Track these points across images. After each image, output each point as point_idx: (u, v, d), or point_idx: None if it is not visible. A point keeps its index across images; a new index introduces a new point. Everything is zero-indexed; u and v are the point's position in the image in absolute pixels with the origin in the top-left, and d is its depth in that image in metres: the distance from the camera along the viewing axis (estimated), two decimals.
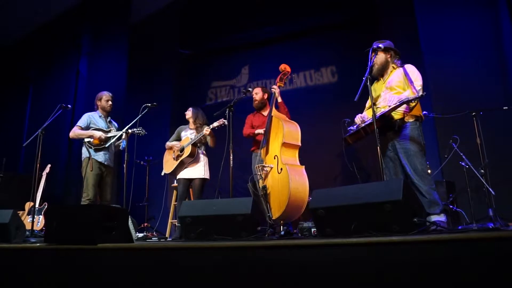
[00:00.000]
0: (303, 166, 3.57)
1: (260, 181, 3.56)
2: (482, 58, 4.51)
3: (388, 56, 3.19)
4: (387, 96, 3.06)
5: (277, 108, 4.01)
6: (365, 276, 1.51)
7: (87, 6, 6.96)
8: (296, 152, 3.66)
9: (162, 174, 4.45)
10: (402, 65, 3.15)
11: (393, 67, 3.18)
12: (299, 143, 3.67)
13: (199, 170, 4.19)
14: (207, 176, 4.23)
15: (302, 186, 3.42)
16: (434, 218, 2.69)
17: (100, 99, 4.30)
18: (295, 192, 3.33)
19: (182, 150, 4.20)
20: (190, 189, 4.33)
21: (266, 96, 4.24)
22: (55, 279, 2.10)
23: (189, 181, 4.24)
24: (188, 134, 4.29)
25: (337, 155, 5.44)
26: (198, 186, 4.16)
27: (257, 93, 4.22)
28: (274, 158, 3.56)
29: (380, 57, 3.17)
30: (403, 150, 2.96)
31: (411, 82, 2.96)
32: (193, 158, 4.18)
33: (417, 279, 1.43)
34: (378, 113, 2.98)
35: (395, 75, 3.12)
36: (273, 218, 3.35)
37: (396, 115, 3.00)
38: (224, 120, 3.96)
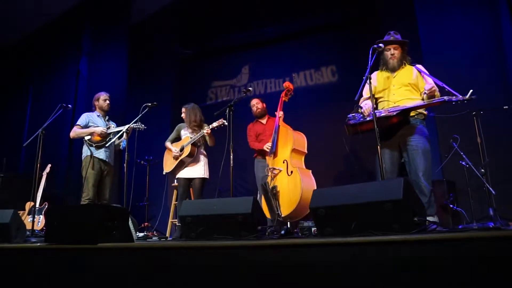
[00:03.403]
0: (310, 170, 3.92)
1: (270, 181, 3.84)
2: (482, 58, 4.51)
3: (404, 51, 3.13)
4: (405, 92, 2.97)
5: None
6: (366, 275, 1.51)
7: (87, 6, 6.95)
8: (303, 158, 4.05)
9: (164, 173, 4.45)
10: (413, 64, 3.11)
11: (404, 63, 3.11)
12: (306, 151, 4.06)
13: (199, 170, 4.18)
14: (206, 175, 4.22)
15: (312, 187, 3.74)
16: (430, 220, 2.67)
17: (98, 99, 4.40)
18: (307, 192, 3.56)
19: (182, 149, 4.19)
20: (191, 189, 4.33)
21: (264, 105, 4.56)
22: (55, 279, 2.10)
23: (189, 180, 4.23)
24: (188, 133, 4.27)
25: (337, 155, 5.44)
26: (198, 186, 4.16)
27: (257, 103, 4.53)
28: (283, 162, 3.90)
29: (399, 51, 3.10)
30: (414, 148, 2.88)
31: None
32: (193, 157, 4.17)
33: (417, 278, 1.43)
34: (397, 108, 2.86)
35: (408, 71, 3.05)
36: (282, 215, 3.66)
37: (411, 112, 2.91)
38: (223, 120, 3.97)
